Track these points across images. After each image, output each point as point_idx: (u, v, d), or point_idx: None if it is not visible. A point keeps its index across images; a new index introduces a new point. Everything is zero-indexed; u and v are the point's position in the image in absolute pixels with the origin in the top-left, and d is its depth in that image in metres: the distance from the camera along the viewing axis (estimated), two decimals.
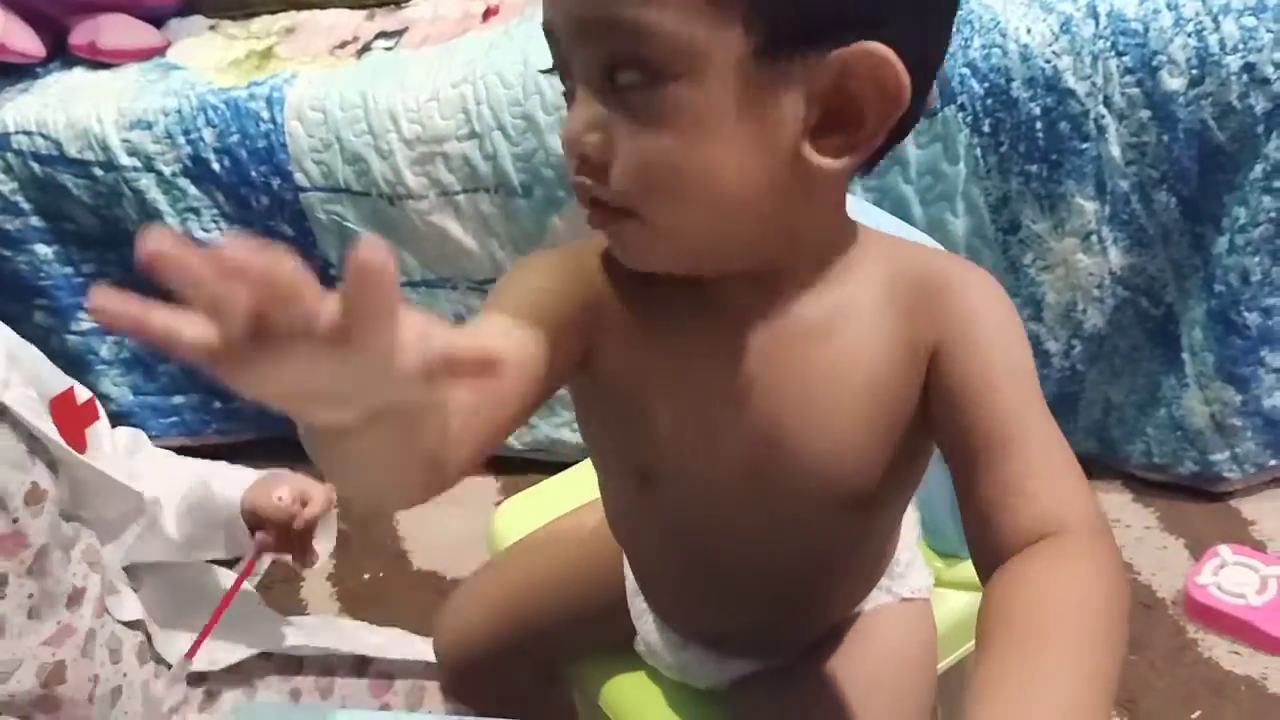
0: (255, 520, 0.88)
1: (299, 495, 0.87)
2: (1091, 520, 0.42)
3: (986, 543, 0.43)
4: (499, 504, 0.94)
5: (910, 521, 0.67)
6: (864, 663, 0.63)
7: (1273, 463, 1.27)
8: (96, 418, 0.85)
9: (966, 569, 0.78)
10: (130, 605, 0.84)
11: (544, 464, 1.42)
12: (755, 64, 0.41)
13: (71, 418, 0.81)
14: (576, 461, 1.01)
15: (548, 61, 0.47)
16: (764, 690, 0.64)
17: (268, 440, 1.54)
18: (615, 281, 0.51)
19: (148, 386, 1.52)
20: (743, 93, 0.42)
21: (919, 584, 0.66)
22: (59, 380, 0.83)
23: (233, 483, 0.89)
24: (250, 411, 1.53)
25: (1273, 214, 1.14)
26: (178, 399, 1.52)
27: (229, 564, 0.93)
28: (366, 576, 1.38)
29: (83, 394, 0.84)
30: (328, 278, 1.42)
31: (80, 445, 0.81)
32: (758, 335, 0.50)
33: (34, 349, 0.83)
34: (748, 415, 0.50)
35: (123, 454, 0.89)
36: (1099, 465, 1.35)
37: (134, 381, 1.54)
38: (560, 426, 1.44)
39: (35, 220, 1.45)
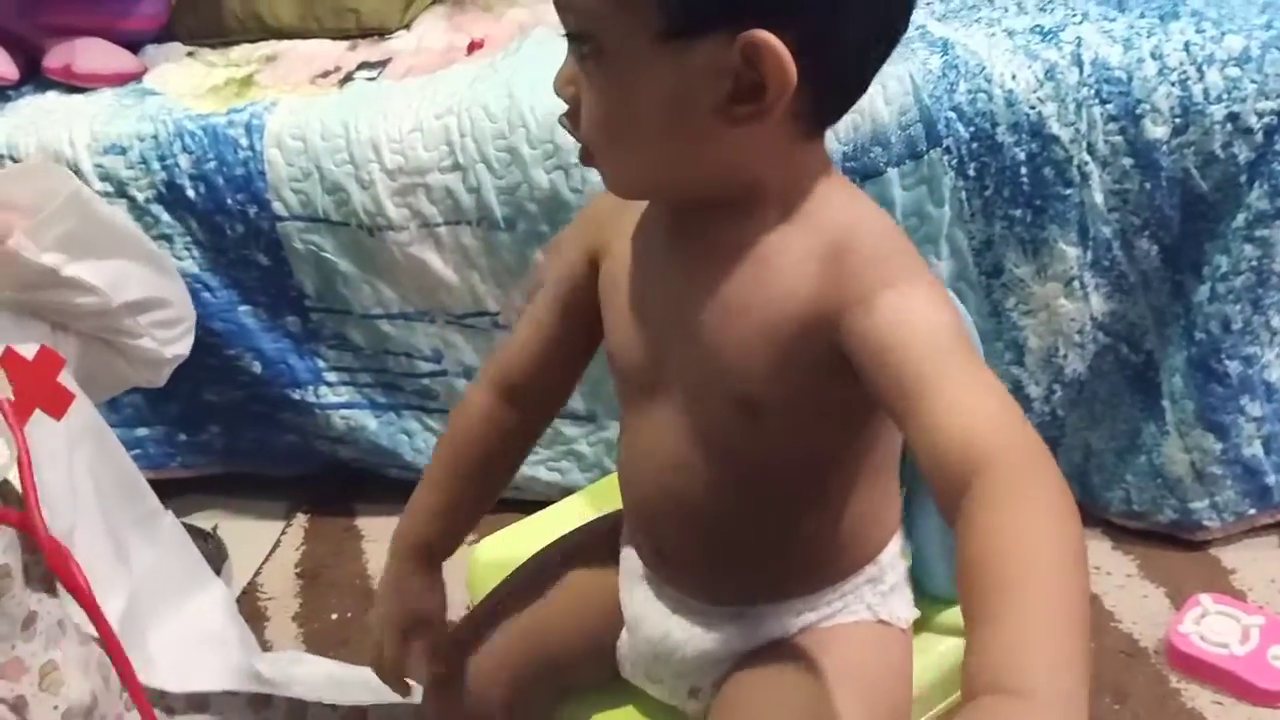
0: None
1: None
2: (1025, 447, 0.44)
3: (936, 495, 0.46)
4: (474, 543, 0.91)
5: (897, 550, 0.69)
6: (822, 672, 0.63)
7: (1252, 511, 1.26)
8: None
9: (953, 615, 0.77)
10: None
11: (519, 503, 1.39)
12: (667, 42, 0.50)
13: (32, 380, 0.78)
14: (552, 501, 0.99)
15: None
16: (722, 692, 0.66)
17: (233, 475, 1.49)
18: (620, 211, 0.63)
19: (111, 418, 1.48)
20: (659, 67, 0.51)
21: (901, 613, 0.67)
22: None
23: None
24: (215, 445, 1.49)
25: (1254, 263, 1.15)
26: (141, 431, 1.48)
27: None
28: (334, 617, 1.34)
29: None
30: (302, 308, 1.40)
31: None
32: (711, 256, 0.58)
33: None
34: (675, 319, 0.60)
35: None
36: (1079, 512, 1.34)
37: None
38: (535, 465, 1.41)
39: None
